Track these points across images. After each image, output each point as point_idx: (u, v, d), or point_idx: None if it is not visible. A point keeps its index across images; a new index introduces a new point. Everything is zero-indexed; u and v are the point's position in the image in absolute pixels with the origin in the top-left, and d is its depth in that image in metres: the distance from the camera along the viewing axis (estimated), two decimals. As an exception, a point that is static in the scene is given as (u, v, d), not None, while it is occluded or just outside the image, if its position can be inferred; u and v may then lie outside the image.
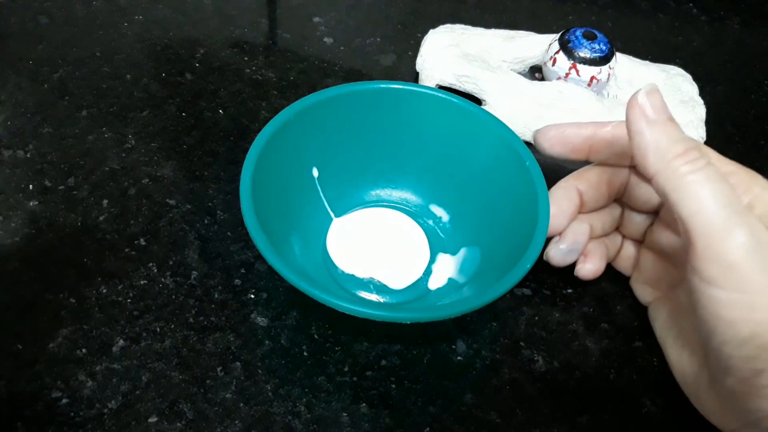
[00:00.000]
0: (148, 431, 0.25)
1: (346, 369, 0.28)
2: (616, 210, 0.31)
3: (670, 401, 0.27)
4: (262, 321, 0.29)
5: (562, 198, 0.29)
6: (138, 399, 0.26)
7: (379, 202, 0.33)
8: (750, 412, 0.22)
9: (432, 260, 0.31)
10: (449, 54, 0.39)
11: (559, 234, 0.29)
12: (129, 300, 0.29)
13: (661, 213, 0.29)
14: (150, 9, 0.44)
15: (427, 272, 0.31)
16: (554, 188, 0.29)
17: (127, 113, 0.37)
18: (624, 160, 0.29)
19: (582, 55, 0.37)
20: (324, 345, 0.28)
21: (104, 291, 0.29)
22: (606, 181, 0.29)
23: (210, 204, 0.33)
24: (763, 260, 0.21)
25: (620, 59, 0.40)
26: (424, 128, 0.31)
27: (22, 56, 0.39)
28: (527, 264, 0.25)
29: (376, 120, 0.31)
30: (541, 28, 0.42)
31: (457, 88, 0.39)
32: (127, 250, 0.31)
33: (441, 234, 0.32)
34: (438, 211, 0.33)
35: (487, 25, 0.43)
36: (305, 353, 0.28)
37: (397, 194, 0.33)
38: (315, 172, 0.31)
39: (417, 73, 0.41)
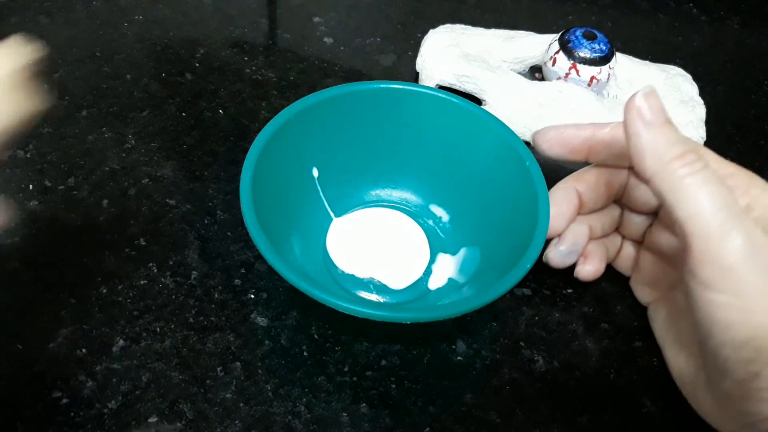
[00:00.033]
0: (148, 431, 0.25)
1: (346, 369, 0.28)
2: (615, 211, 0.31)
3: (670, 401, 0.27)
4: (262, 321, 0.29)
5: (561, 199, 0.29)
6: (138, 399, 0.26)
7: (379, 202, 0.33)
8: (747, 414, 0.22)
9: (432, 260, 0.31)
10: (449, 54, 0.39)
11: (559, 236, 0.29)
12: (129, 300, 0.29)
13: (661, 214, 0.29)
14: (150, 9, 0.44)
15: (427, 272, 0.31)
16: (553, 190, 0.29)
17: (127, 113, 0.37)
18: (623, 161, 0.29)
19: (582, 55, 0.37)
20: (324, 345, 0.28)
21: (104, 291, 0.29)
22: (605, 182, 0.29)
23: (210, 204, 0.33)
24: (759, 263, 0.21)
25: (620, 59, 0.40)
26: (424, 128, 0.31)
27: (22, 56, 0.39)
28: (527, 264, 0.25)
29: (376, 120, 0.31)
30: (541, 28, 0.42)
31: (457, 88, 0.39)
32: (127, 250, 0.31)
33: (441, 234, 0.32)
34: (438, 211, 0.33)
35: (487, 25, 0.43)
36: (305, 353, 0.28)
37: (397, 194, 0.33)
38: (315, 172, 0.31)
39: (417, 73, 0.41)
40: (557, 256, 0.29)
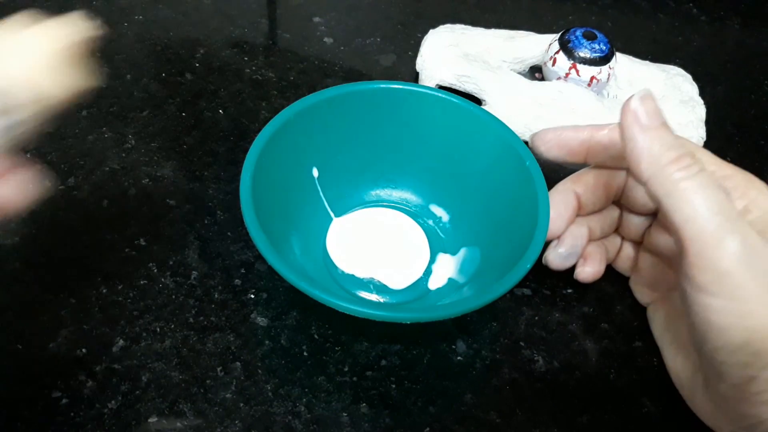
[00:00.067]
0: (148, 431, 0.25)
1: (346, 369, 0.28)
2: (614, 212, 0.31)
3: (669, 401, 0.27)
4: (262, 321, 0.29)
5: (560, 202, 0.29)
6: (138, 399, 0.26)
7: (379, 202, 0.33)
8: (743, 417, 0.22)
9: (432, 260, 0.31)
10: (449, 54, 0.39)
11: (558, 238, 0.29)
12: (129, 300, 0.29)
13: (659, 215, 0.29)
14: (150, 9, 0.44)
15: (427, 272, 0.31)
16: (551, 192, 0.29)
17: (127, 113, 0.37)
18: (621, 163, 0.29)
19: (582, 55, 0.37)
20: (324, 345, 0.28)
21: (104, 291, 0.29)
22: (603, 183, 0.29)
23: (210, 204, 0.33)
24: (754, 268, 0.22)
25: (620, 59, 0.40)
26: (424, 128, 0.31)
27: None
28: (527, 264, 0.25)
29: (376, 120, 0.31)
30: (541, 28, 0.42)
31: (457, 88, 0.39)
32: (127, 250, 0.31)
33: (441, 234, 0.32)
34: (438, 211, 0.33)
35: (487, 25, 0.43)
36: (305, 353, 0.28)
37: (397, 194, 0.33)
38: (315, 172, 0.31)
39: (417, 73, 0.41)
40: (557, 258, 0.29)
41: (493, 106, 0.37)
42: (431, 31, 0.41)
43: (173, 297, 0.29)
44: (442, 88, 0.38)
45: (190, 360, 0.28)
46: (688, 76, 0.41)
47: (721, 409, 0.24)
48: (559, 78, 0.38)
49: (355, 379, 0.28)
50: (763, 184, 0.26)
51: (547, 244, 0.29)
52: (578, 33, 0.37)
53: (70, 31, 0.22)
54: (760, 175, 0.26)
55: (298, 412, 0.26)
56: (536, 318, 0.30)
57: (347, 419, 0.26)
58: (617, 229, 0.31)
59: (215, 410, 0.26)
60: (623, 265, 0.31)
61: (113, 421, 0.26)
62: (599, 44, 0.37)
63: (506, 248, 0.27)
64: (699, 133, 0.37)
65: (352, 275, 0.30)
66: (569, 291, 0.31)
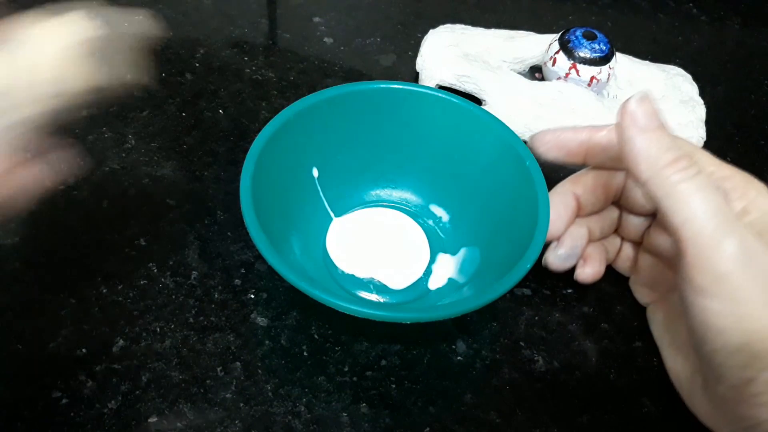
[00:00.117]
0: (148, 431, 0.25)
1: (346, 369, 0.28)
2: (614, 213, 0.31)
3: (669, 401, 0.27)
4: (262, 321, 0.29)
5: (559, 203, 0.29)
6: (138, 399, 0.26)
7: (379, 202, 0.33)
8: (742, 418, 0.22)
9: (432, 260, 0.31)
10: (449, 54, 0.39)
11: (557, 239, 0.29)
12: (129, 300, 0.29)
13: (658, 216, 0.29)
14: (150, 9, 0.44)
15: (427, 272, 0.31)
16: (550, 193, 0.29)
17: (127, 113, 0.37)
18: (620, 164, 0.29)
19: (582, 55, 0.37)
20: (324, 345, 0.28)
21: (104, 291, 0.29)
22: (603, 184, 0.29)
23: (210, 204, 0.33)
24: (752, 270, 0.22)
25: (620, 59, 0.40)
26: (424, 128, 0.31)
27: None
28: (527, 264, 0.25)
29: (376, 120, 0.31)
30: (541, 28, 0.42)
31: (457, 88, 0.39)
32: (127, 250, 0.31)
33: (441, 234, 0.32)
34: (438, 211, 0.33)
35: (487, 25, 0.43)
36: (305, 353, 0.28)
37: (397, 194, 0.33)
38: (315, 172, 0.31)
39: (417, 73, 0.41)
40: (556, 260, 0.29)
41: (493, 106, 0.37)
42: (431, 31, 0.41)
43: (173, 297, 0.29)
44: (442, 88, 0.38)
45: (190, 360, 0.28)
46: (688, 76, 0.41)
47: (720, 411, 0.24)
48: (559, 78, 0.38)
49: (355, 379, 0.28)
50: (763, 185, 0.26)
51: (546, 245, 0.29)
52: (578, 33, 0.37)
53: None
54: (760, 175, 0.26)
55: (298, 412, 0.26)
56: (536, 318, 0.30)
57: (347, 419, 0.26)
58: (617, 230, 0.31)
59: (215, 410, 0.26)
60: (623, 265, 0.31)
61: (113, 421, 0.26)
62: (599, 44, 0.37)
63: (506, 248, 0.27)
64: (699, 133, 0.37)
65: (352, 275, 0.30)
66: (569, 291, 0.31)
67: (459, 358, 0.29)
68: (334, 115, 0.30)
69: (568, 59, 0.37)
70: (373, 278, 0.30)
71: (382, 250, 0.31)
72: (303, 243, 0.30)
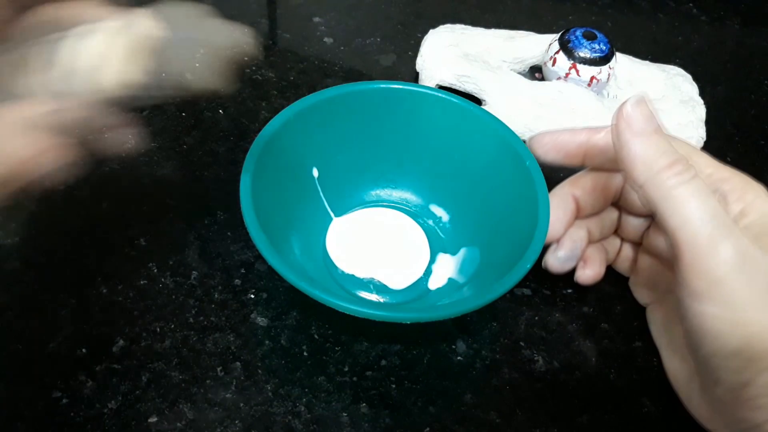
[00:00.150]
0: (148, 431, 0.25)
1: (346, 369, 0.28)
2: (613, 214, 0.31)
3: (669, 401, 0.27)
4: (262, 321, 0.29)
5: (558, 205, 0.29)
6: (138, 399, 0.26)
7: (379, 202, 0.33)
8: (739, 421, 0.22)
9: (432, 260, 0.31)
10: (449, 54, 0.39)
11: (557, 241, 0.29)
12: (129, 300, 0.29)
13: (655, 220, 0.29)
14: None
15: (427, 272, 0.31)
16: (549, 195, 0.29)
17: (126, 113, 0.37)
18: (619, 166, 0.29)
19: (582, 55, 0.37)
20: (324, 345, 0.28)
21: (104, 291, 0.29)
22: (601, 186, 0.29)
23: (210, 204, 0.33)
24: (748, 274, 0.22)
25: (620, 59, 0.40)
26: (424, 128, 0.31)
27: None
28: (527, 264, 0.25)
29: (376, 120, 0.31)
30: (541, 28, 0.42)
31: (457, 88, 0.39)
32: (127, 250, 0.31)
33: (441, 234, 0.32)
34: (438, 211, 0.33)
35: (487, 25, 0.43)
36: (305, 353, 0.28)
37: (397, 194, 0.33)
38: (315, 172, 0.31)
39: (417, 73, 0.41)
40: (556, 262, 0.29)
41: (493, 106, 0.37)
42: (431, 31, 0.41)
43: (173, 297, 0.29)
44: (442, 88, 0.38)
45: (190, 360, 0.28)
46: (688, 76, 0.41)
47: (718, 413, 0.24)
48: (559, 78, 0.38)
49: (355, 379, 0.28)
50: (761, 188, 0.25)
51: (546, 247, 0.29)
52: (578, 33, 0.37)
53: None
54: (760, 175, 0.26)
55: (298, 412, 0.26)
56: (536, 318, 0.30)
57: (347, 419, 0.26)
58: (616, 231, 0.31)
59: (215, 410, 0.26)
60: (623, 265, 0.31)
61: (113, 421, 0.26)
62: (599, 44, 0.37)
63: (506, 248, 0.27)
64: (699, 133, 0.37)
65: (352, 275, 0.30)
66: (569, 291, 0.31)
67: (459, 358, 0.29)
68: (334, 115, 0.30)
69: (568, 59, 0.37)
70: (373, 278, 0.30)
71: (382, 250, 0.31)
72: (303, 243, 0.30)
